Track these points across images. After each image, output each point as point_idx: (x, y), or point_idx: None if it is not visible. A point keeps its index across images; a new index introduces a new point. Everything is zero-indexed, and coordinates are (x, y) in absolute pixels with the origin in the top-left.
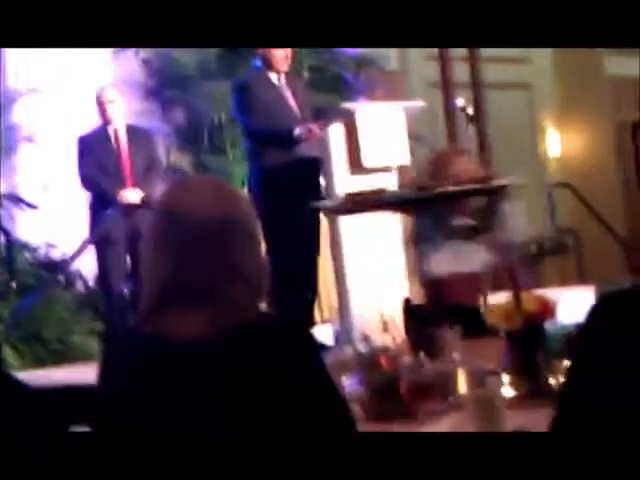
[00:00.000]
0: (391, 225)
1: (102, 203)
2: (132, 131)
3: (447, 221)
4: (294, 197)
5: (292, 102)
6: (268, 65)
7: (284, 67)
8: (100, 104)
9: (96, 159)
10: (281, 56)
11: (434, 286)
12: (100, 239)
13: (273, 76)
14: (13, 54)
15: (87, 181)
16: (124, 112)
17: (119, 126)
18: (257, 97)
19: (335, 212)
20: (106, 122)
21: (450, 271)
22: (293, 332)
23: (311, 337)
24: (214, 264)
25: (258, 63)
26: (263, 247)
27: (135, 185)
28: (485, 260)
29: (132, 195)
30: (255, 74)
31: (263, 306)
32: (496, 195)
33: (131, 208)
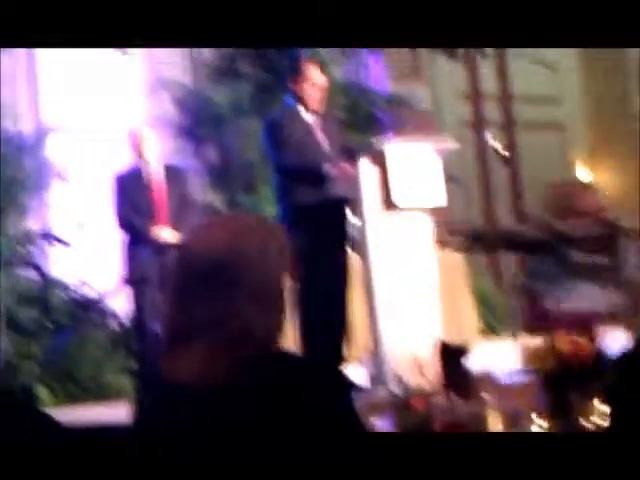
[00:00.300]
0: (425, 263)
1: (137, 242)
2: (166, 170)
3: (568, 258)
4: (323, 234)
5: (323, 140)
6: (301, 103)
7: (317, 106)
8: (135, 143)
9: (131, 198)
10: (314, 94)
11: (548, 323)
12: (135, 278)
13: (305, 115)
14: (48, 91)
15: (122, 220)
16: (158, 151)
17: (153, 165)
18: (288, 134)
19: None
20: (141, 161)
21: (574, 309)
22: (321, 371)
23: (339, 377)
24: (228, 297)
25: (290, 101)
26: (286, 279)
27: (170, 224)
28: (610, 299)
29: (167, 234)
30: (287, 111)
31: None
32: (619, 232)
33: (166, 247)
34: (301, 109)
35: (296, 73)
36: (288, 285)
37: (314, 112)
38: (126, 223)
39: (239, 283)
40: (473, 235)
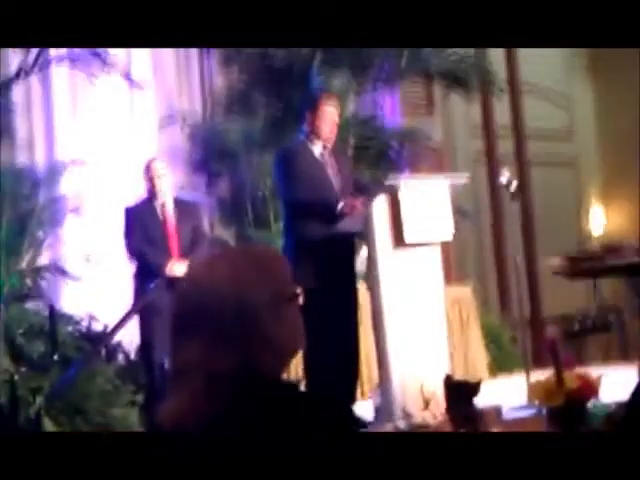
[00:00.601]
0: (434, 299)
1: (147, 275)
2: (179, 204)
3: None
4: (331, 269)
5: (333, 176)
6: (313, 137)
7: (329, 140)
8: (148, 177)
9: (143, 231)
10: (326, 129)
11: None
12: (145, 311)
13: (317, 149)
14: (62, 124)
15: (133, 252)
16: (171, 184)
17: (166, 199)
18: (299, 168)
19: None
20: (153, 194)
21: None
22: (330, 408)
23: (347, 414)
24: (232, 336)
25: (302, 135)
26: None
27: (182, 258)
28: None
29: (179, 268)
30: (299, 145)
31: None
32: None
33: (177, 280)
34: (314, 143)
35: (312, 108)
36: (293, 316)
37: (327, 147)
38: (138, 256)
39: (239, 320)
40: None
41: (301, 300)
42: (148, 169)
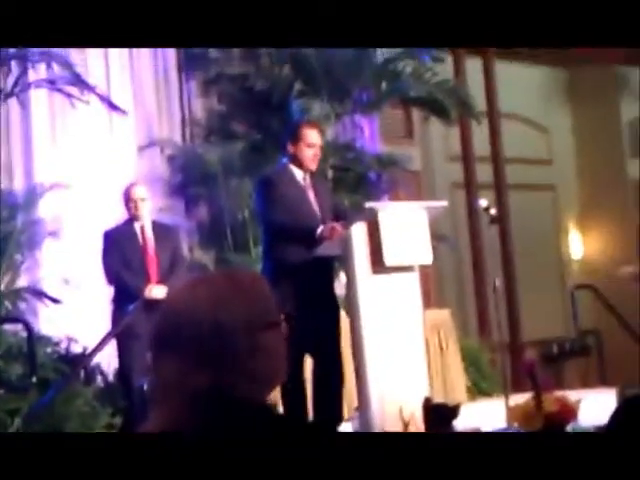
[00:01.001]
0: (413, 322)
1: (125, 298)
2: (157, 227)
3: None
4: (310, 294)
5: (314, 201)
6: (296, 163)
7: (311, 166)
8: (128, 201)
9: (121, 254)
10: (309, 155)
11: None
12: (123, 334)
13: (298, 174)
14: (41, 149)
15: (111, 276)
16: (149, 208)
17: (146, 223)
18: (279, 193)
19: None
20: (133, 218)
21: None
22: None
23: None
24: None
25: (284, 160)
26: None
27: (160, 281)
28: None
29: (158, 291)
30: (280, 170)
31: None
32: None
33: (156, 303)
34: (294, 168)
35: (294, 133)
36: (273, 339)
37: (307, 172)
38: (116, 279)
39: (233, 343)
40: None
41: (284, 328)
42: (128, 193)
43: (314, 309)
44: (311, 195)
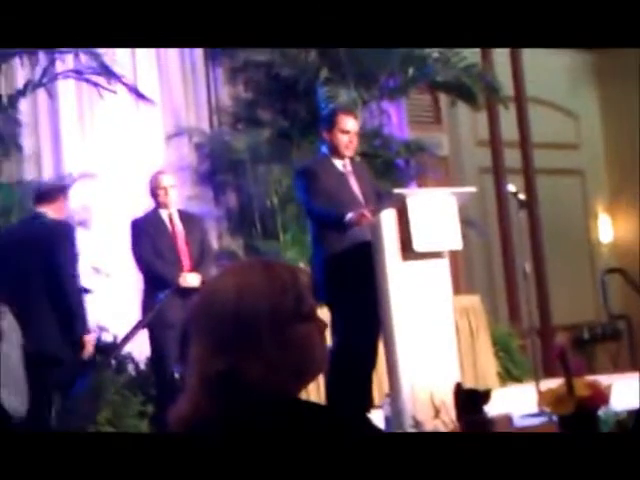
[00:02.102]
0: (443, 308)
1: (157, 286)
2: (184, 216)
3: None
4: (355, 280)
5: (356, 188)
6: (333, 150)
7: (346, 152)
8: (155, 188)
9: (151, 243)
10: (344, 141)
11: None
12: (156, 322)
13: (337, 162)
14: (69, 140)
15: (142, 264)
16: (178, 197)
17: (174, 211)
18: (321, 182)
19: None
20: (160, 207)
21: None
22: (346, 418)
23: (366, 425)
24: (245, 349)
25: (324, 149)
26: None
27: (193, 269)
28: None
29: (192, 278)
30: (319, 160)
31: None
32: None
33: (190, 291)
34: (336, 157)
35: (329, 121)
36: (306, 332)
37: (346, 158)
38: (147, 267)
39: (255, 331)
40: None
41: (322, 321)
42: (155, 181)
43: (364, 296)
44: (353, 181)
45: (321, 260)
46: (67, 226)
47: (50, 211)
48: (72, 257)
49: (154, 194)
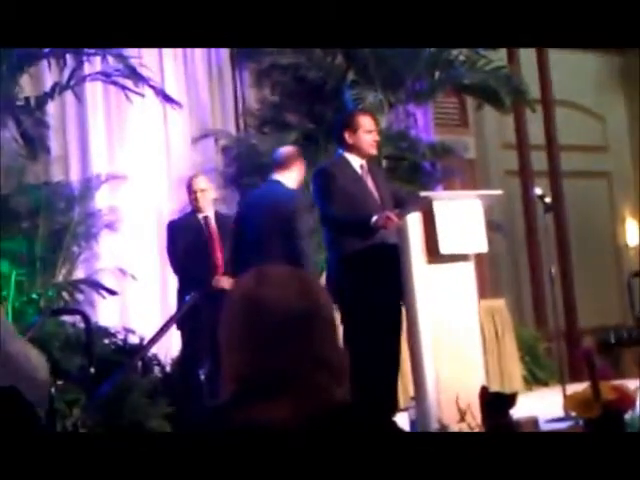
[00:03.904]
0: (469, 311)
1: (191, 288)
2: (220, 218)
3: None
4: (374, 284)
5: (373, 190)
6: (353, 151)
7: (372, 151)
8: (191, 192)
9: (186, 245)
10: (369, 140)
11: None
12: (188, 323)
13: (355, 163)
14: (97, 142)
15: (178, 266)
16: (212, 199)
17: (209, 213)
18: (338, 184)
19: None
20: (196, 209)
21: None
22: (373, 422)
23: (392, 426)
24: (295, 353)
25: (341, 150)
26: (340, 334)
27: (227, 272)
28: None
29: (227, 282)
30: (337, 161)
31: (344, 393)
32: None
33: (220, 294)
34: (351, 158)
35: (351, 123)
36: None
37: (367, 158)
38: (182, 269)
39: (312, 335)
40: None
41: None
42: (189, 185)
43: (381, 298)
44: (370, 183)
45: (338, 263)
46: (302, 197)
47: (285, 179)
48: (309, 227)
49: (190, 197)
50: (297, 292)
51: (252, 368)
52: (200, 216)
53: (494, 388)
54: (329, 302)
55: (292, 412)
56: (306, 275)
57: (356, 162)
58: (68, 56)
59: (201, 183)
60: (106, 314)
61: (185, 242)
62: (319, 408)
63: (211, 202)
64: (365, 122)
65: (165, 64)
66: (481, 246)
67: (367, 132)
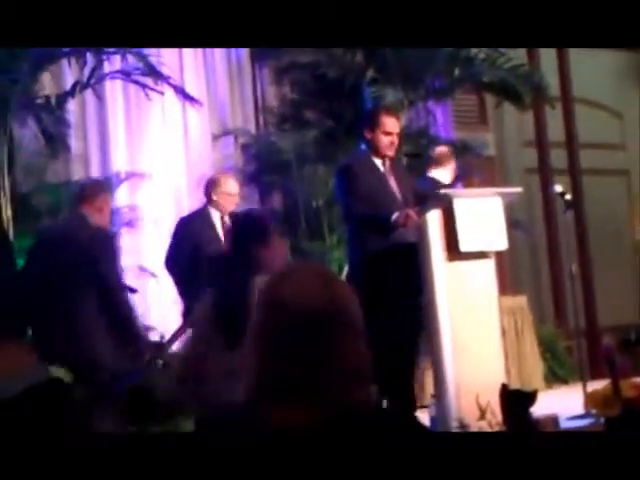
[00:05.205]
0: (489, 308)
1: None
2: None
3: None
4: (394, 281)
5: (395, 187)
6: (373, 150)
7: (387, 153)
8: (215, 190)
9: (204, 243)
10: (386, 142)
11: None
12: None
13: (378, 161)
14: (116, 140)
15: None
16: (234, 197)
17: (228, 214)
18: (361, 181)
19: None
20: (211, 207)
21: None
22: (394, 424)
23: (413, 426)
24: (318, 355)
25: (363, 147)
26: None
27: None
28: None
29: None
30: (360, 158)
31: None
32: None
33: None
34: (376, 155)
35: (371, 121)
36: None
37: (386, 158)
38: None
39: (335, 337)
40: None
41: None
42: (217, 182)
43: (402, 297)
44: (392, 181)
45: (359, 260)
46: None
47: (92, 213)
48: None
49: (210, 193)
50: (318, 291)
51: (272, 370)
52: (214, 214)
53: (514, 386)
54: (353, 301)
55: (310, 414)
56: (329, 273)
57: (378, 160)
58: (88, 55)
59: (233, 187)
60: None
61: (203, 240)
62: (337, 409)
63: (234, 207)
64: (386, 122)
65: (185, 62)
66: (501, 244)
67: (386, 133)
